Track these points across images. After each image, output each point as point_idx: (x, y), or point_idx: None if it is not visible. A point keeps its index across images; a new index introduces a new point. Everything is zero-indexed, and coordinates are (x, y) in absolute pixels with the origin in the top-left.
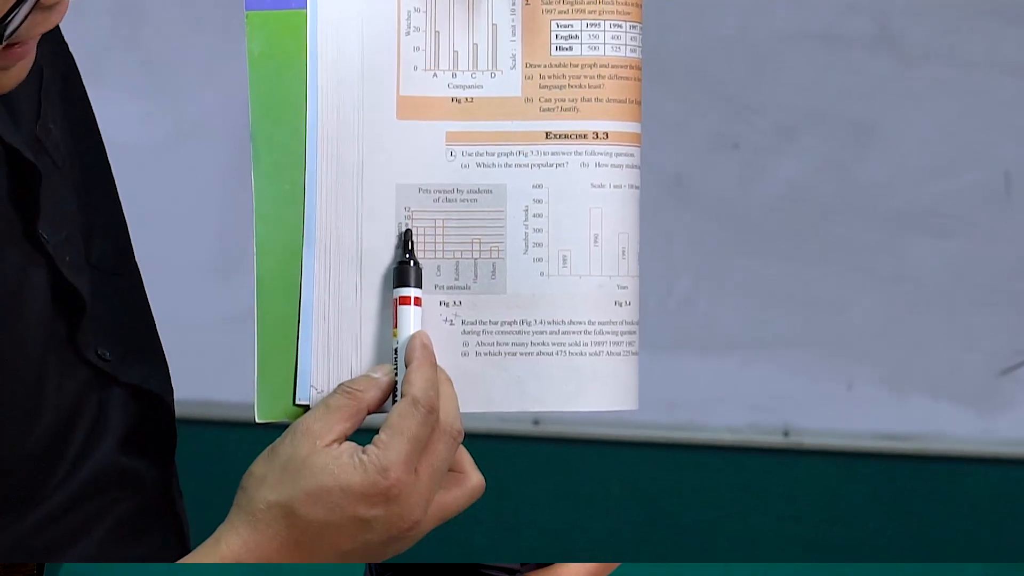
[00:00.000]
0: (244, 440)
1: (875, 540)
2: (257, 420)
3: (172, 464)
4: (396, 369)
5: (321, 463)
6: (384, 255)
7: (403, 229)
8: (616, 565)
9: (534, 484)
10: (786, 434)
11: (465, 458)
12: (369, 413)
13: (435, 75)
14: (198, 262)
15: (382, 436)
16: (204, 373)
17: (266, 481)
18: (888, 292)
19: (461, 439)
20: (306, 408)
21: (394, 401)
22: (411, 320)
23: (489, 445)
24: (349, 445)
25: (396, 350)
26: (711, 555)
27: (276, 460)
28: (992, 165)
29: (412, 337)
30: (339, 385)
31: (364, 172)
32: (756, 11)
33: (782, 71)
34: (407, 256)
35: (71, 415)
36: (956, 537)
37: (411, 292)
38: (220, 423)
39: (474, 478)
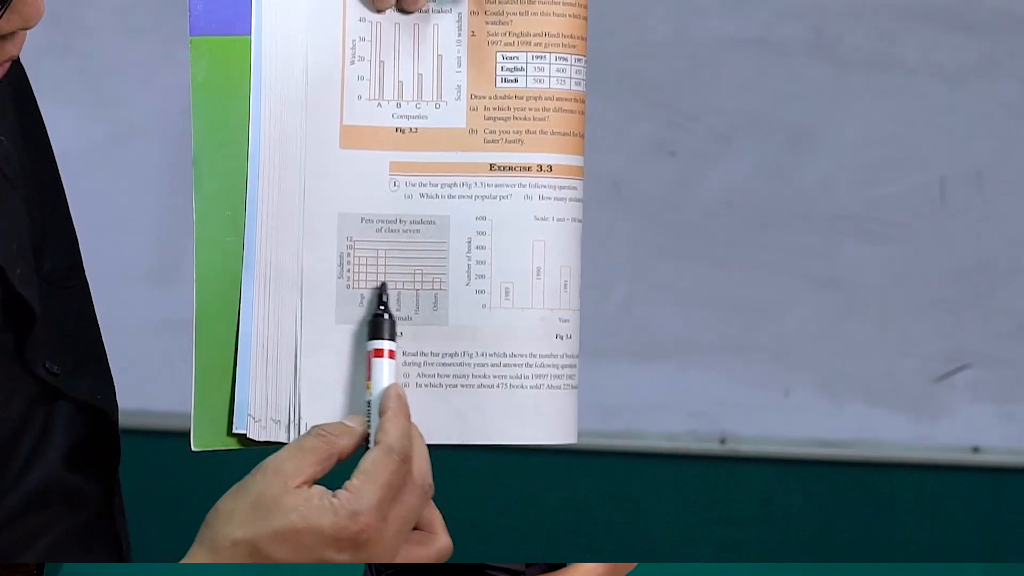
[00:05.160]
0: (183, 450)
1: (811, 546)
2: (193, 448)
3: (115, 482)
4: (369, 421)
5: (292, 503)
6: (325, 284)
7: (345, 258)
8: (633, 565)
9: (469, 491)
10: (723, 441)
11: (436, 519)
12: (339, 460)
13: (379, 105)
14: (135, 268)
15: (354, 481)
16: (142, 382)
17: (233, 518)
18: (824, 298)
19: (432, 494)
20: (242, 437)
21: (366, 451)
22: (385, 372)
23: None
24: (319, 488)
25: (369, 402)
26: (648, 561)
27: (245, 497)
28: (928, 171)
29: (387, 388)
30: (312, 427)
31: (306, 200)
32: (692, 17)
33: (719, 77)
34: (381, 309)
35: (17, 427)
36: (892, 542)
37: (385, 345)
38: (158, 432)
39: (443, 539)
